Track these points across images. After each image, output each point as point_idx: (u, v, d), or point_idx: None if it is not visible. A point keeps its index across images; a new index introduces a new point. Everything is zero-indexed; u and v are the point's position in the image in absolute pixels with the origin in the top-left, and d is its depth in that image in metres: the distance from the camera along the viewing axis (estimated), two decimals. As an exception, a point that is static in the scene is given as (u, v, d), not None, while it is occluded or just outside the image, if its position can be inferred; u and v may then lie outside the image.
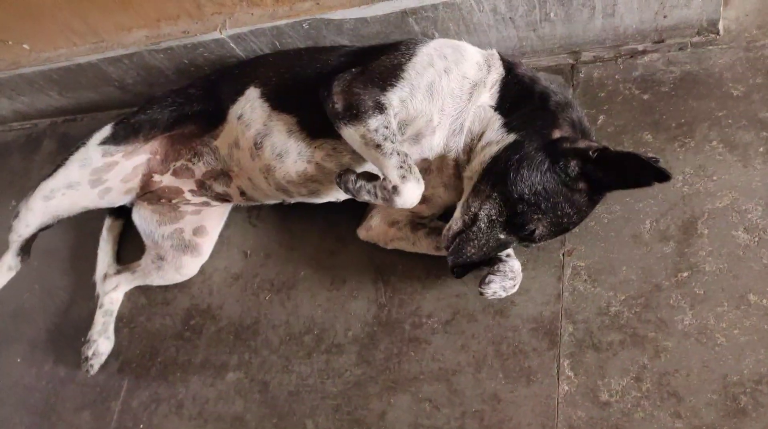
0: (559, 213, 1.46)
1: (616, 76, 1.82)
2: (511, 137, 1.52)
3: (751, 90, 1.67)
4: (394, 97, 1.54)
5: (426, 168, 1.62)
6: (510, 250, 1.58)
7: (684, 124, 1.69)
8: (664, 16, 1.74)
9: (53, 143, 2.60)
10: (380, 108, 1.52)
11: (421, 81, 1.55)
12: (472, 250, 1.49)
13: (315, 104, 1.63)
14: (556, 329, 1.57)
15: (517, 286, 1.56)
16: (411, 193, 1.47)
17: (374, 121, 1.50)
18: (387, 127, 1.50)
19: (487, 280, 1.52)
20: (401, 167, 1.46)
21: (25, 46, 2.31)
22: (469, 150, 1.60)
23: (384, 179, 1.49)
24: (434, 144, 1.60)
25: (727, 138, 1.63)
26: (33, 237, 1.94)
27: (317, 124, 1.66)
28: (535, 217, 1.46)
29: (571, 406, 1.48)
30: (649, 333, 1.49)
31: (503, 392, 1.54)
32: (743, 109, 1.65)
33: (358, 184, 1.54)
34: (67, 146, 1.91)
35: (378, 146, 1.48)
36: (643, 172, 1.36)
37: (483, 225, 1.49)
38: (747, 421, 1.34)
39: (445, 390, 1.59)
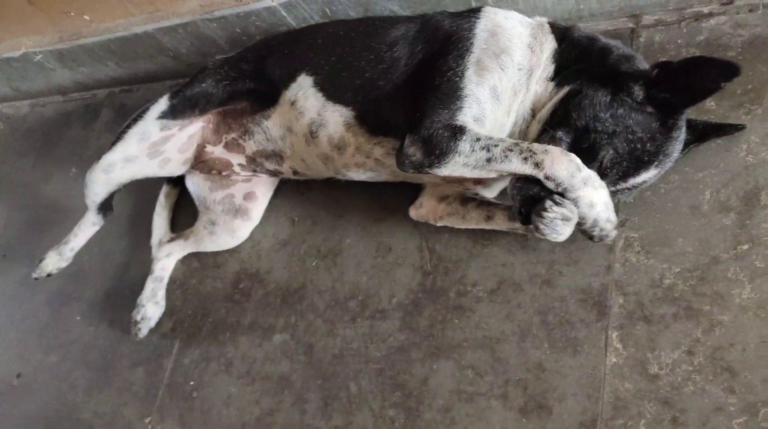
0: (631, 137, 1.38)
1: (679, 41, 1.73)
2: (565, 89, 1.48)
3: (826, 54, 1.56)
4: (467, 118, 1.46)
5: None
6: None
7: (751, 90, 1.60)
8: (733, -24, 1.64)
9: (111, 113, 2.69)
10: (460, 130, 1.43)
11: (484, 91, 1.47)
12: (540, 191, 1.36)
13: (372, 100, 1.61)
14: (605, 301, 1.53)
15: (569, 230, 1.35)
16: (560, 164, 1.31)
17: (464, 144, 1.40)
18: (479, 139, 1.40)
19: (546, 204, 1.31)
20: (526, 159, 1.35)
21: (85, 17, 2.39)
22: (528, 126, 1.56)
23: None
24: None
25: (797, 105, 1.54)
26: (108, 199, 2.02)
27: (377, 121, 1.64)
28: (605, 142, 1.38)
29: (619, 378, 1.44)
30: (704, 306, 1.43)
31: (548, 362, 1.52)
32: (817, 75, 1.55)
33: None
34: (123, 116, 1.97)
35: (489, 160, 1.39)
36: (709, 73, 1.29)
37: None
38: (808, 399, 1.28)
39: (489, 358, 1.58)
